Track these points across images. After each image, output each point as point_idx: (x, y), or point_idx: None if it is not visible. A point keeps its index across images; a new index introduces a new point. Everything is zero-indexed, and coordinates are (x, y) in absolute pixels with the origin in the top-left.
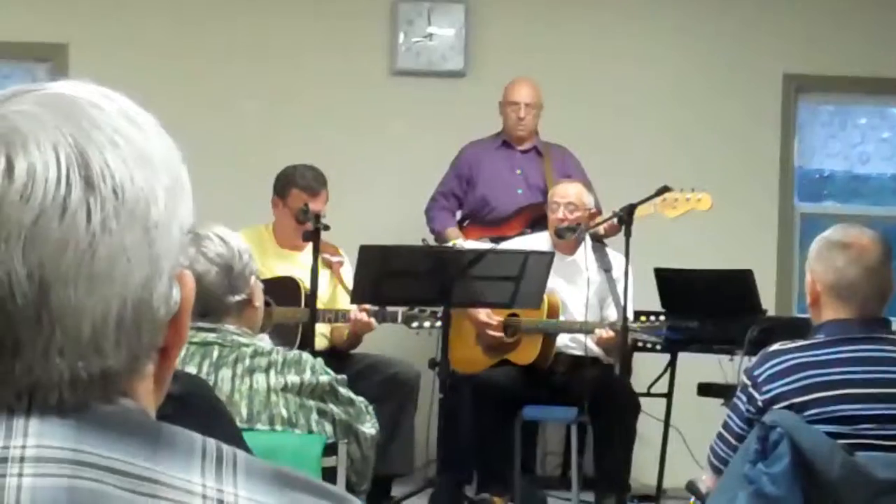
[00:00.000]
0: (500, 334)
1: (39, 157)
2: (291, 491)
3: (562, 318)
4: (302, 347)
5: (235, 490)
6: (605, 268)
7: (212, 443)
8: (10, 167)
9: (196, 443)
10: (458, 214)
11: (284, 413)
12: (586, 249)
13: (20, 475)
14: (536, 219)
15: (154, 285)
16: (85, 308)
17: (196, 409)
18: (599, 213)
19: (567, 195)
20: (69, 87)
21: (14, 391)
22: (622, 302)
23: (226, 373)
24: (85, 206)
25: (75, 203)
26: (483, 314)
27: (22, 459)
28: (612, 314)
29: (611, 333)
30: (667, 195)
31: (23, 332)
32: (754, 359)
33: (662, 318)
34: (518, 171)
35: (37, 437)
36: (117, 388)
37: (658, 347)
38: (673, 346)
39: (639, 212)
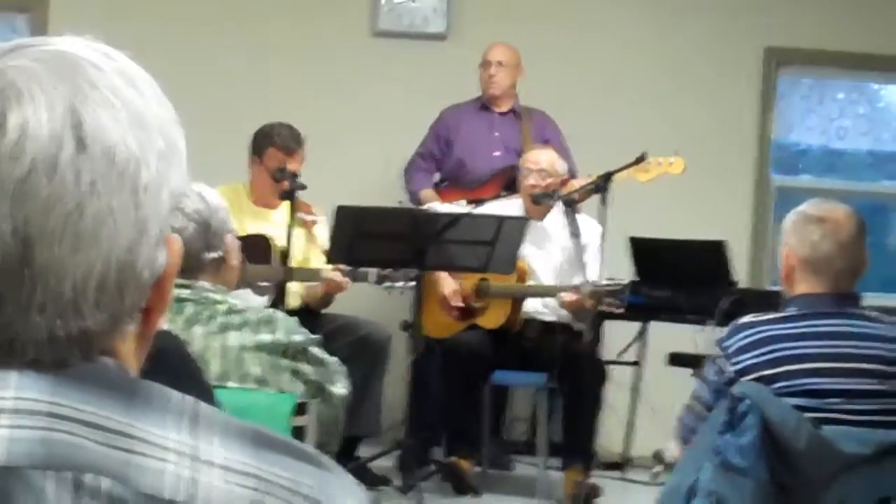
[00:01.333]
0: (457, 313)
1: (33, 114)
2: (267, 451)
3: (531, 282)
4: (275, 305)
5: (211, 448)
6: (575, 233)
7: (189, 400)
8: (2, 122)
9: (173, 400)
10: (437, 176)
11: (256, 371)
12: (559, 216)
13: None
14: (512, 181)
15: (140, 249)
16: (67, 267)
17: (168, 364)
18: (575, 178)
19: (539, 161)
20: (70, 44)
21: None
22: (591, 268)
23: (199, 329)
24: (75, 166)
25: (65, 162)
26: (448, 289)
27: (0, 411)
28: (579, 280)
29: (574, 297)
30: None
31: (4, 288)
32: (725, 330)
33: (625, 280)
34: (496, 134)
35: (15, 389)
36: (97, 347)
37: (620, 311)
38: (643, 314)
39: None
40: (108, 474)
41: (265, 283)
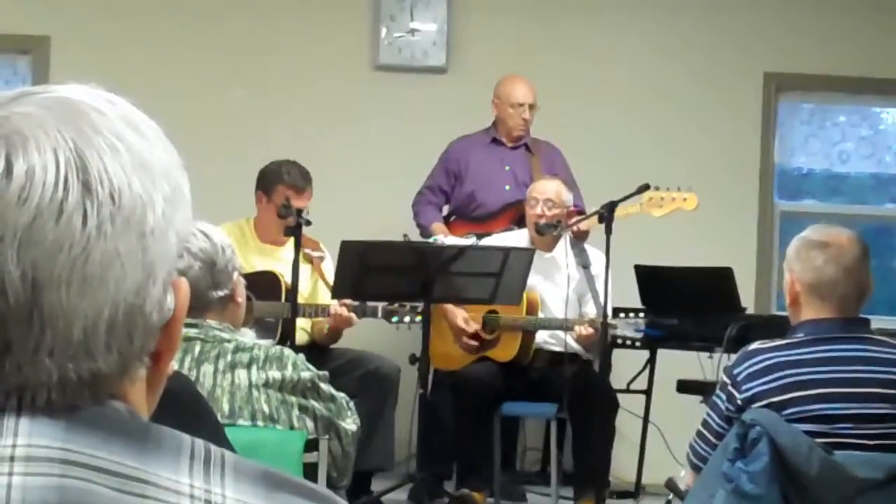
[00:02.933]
0: (474, 343)
1: (39, 160)
2: (278, 492)
3: (540, 314)
4: (282, 342)
5: (223, 490)
6: (584, 264)
7: (200, 443)
8: (9, 168)
9: (184, 443)
10: (445, 210)
11: (266, 409)
12: (566, 246)
13: (10, 474)
14: (523, 215)
15: (147, 291)
16: (76, 310)
17: (178, 405)
18: (583, 211)
19: (546, 192)
20: (74, 90)
21: (3, 390)
22: (601, 298)
23: (208, 368)
24: (81, 210)
25: (72, 206)
26: (461, 319)
27: (12, 459)
28: (590, 311)
29: (590, 330)
30: (652, 194)
31: (13, 332)
32: (734, 357)
33: (642, 314)
34: (507, 168)
35: (27, 436)
36: (107, 391)
37: (637, 344)
38: (652, 343)
39: (625, 210)
40: None
41: (270, 319)
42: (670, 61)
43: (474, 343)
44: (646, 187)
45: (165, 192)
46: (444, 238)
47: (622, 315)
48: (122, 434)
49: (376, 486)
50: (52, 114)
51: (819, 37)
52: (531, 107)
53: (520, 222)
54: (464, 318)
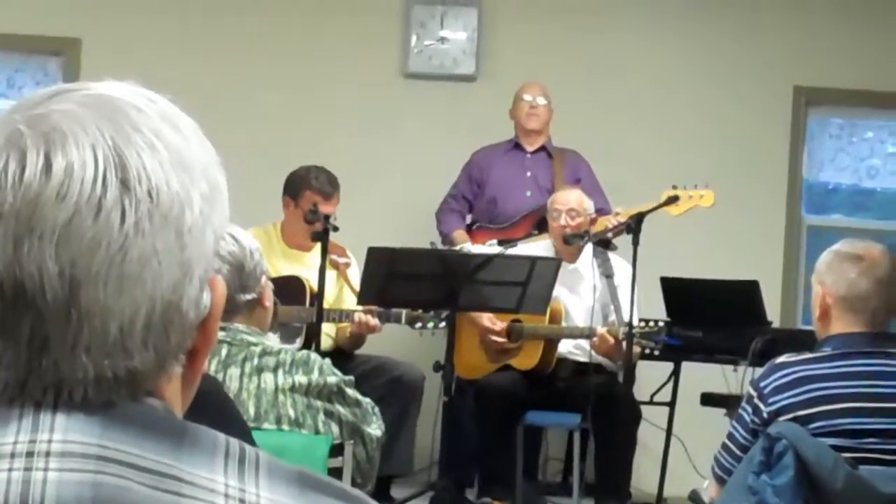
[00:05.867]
0: (503, 340)
1: (77, 157)
2: (312, 492)
3: (564, 324)
4: (306, 347)
5: (257, 490)
6: (607, 273)
7: (235, 443)
8: (48, 165)
9: (220, 442)
10: (468, 218)
11: (291, 413)
12: (590, 257)
13: (46, 469)
14: (543, 220)
15: (184, 289)
16: (113, 308)
17: (208, 406)
18: (608, 215)
19: (568, 202)
20: (113, 88)
21: (41, 386)
22: (625, 308)
23: (234, 371)
24: (119, 208)
25: (110, 203)
26: (486, 320)
27: (48, 454)
28: (614, 322)
29: (608, 339)
30: (670, 192)
31: (51, 329)
32: (760, 370)
33: (661, 323)
34: (528, 174)
35: (63, 432)
36: (143, 388)
37: (656, 353)
38: (676, 355)
39: (639, 209)
40: None
41: (296, 325)
42: (700, 74)
43: (503, 339)
44: (675, 199)
45: (203, 190)
46: (471, 246)
47: (641, 324)
48: (158, 431)
49: (397, 493)
50: (91, 111)
51: (849, 51)
52: (541, 100)
53: (540, 227)
54: (489, 317)
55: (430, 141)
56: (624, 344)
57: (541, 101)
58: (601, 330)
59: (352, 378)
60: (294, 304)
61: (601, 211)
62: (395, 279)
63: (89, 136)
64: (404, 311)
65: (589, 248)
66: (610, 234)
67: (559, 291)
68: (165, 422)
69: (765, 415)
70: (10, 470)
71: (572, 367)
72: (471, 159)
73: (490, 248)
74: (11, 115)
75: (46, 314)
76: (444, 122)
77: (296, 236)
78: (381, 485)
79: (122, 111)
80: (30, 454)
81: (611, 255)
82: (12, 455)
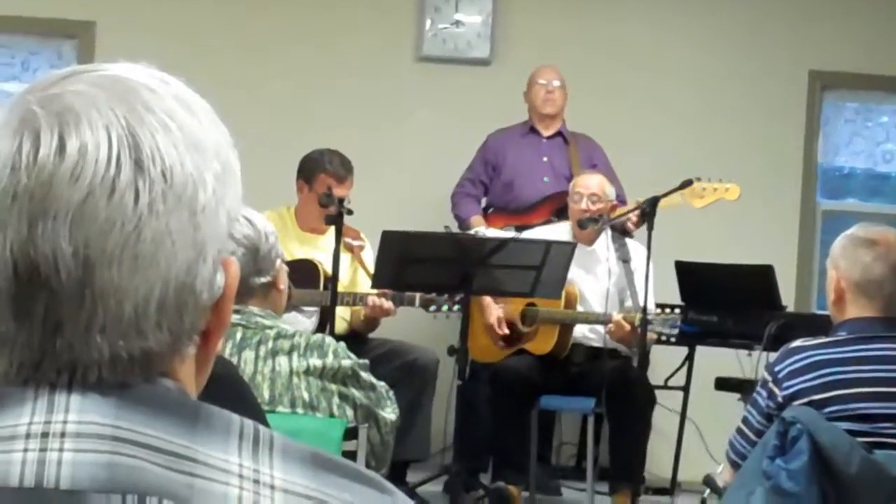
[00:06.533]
0: (502, 344)
1: (91, 137)
2: (326, 473)
3: (579, 308)
4: (320, 330)
5: (271, 471)
6: (624, 258)
7: (249, 423)
8: (62, 146)
9: (234, 423)
10: (483, 202)
11: (306, 396)
12: (607, 240)
13: (61, 450)
14: (562, 207)
15: (198, 269)
16: (128, 288)
17: (222, 388)
18: (623, 204)
19: (589, 186)
20: (126, 69)
21: (55, 367)
22: (641, 294)
23: (249, 354)
24: (133, 188)
25: (124, 184)
26: (494, 318)
27: (63, 435)
28: (630, 306)
29: (624, 326)
30: (694, 184)
31: (65, 310)
32: (775, 354)
33: (678, 310)
34: (544, 159)
35: (78, 412)
36: (158, 369)
37: (673, 340)
38: (691, 340)
39: (667, 202)
40: (171, 498)
41: (309, 308)
42: (714, 58)
43: (503, 343)
44: (689, 182)
45: (216, 171)
46: (485, 230)
47: (658, 311)
48: (172, 412)
49: (412, 477)
50: (105, 92)
51: (864, 36)
52: (557, 84)
53: (559, 214)
54: (497, 317)
55: (444, 124)
56: (639, 329)
57: (556, 84)
58: (617, 316)
59: (366, 361)
60: (309, 288)
61: (617, 198)
62: (409, 263)
63: (103, 116)
64: (418, 295)
65: (607, 232)
66: (630, 222)
67: (575, 273)
68: (179, 402)
69: (779, 399)
70: (25, 450)
71: (586, 352)
72: (486, 142)
73: (507, 232)
74: (25, 95)
75: (61, 295)
76: (459, 106)
77: (310, 220)
78: (396, 469)
79: (135, 92)
80: (45, 434)
81: (628, 240)
82: (27, 436)
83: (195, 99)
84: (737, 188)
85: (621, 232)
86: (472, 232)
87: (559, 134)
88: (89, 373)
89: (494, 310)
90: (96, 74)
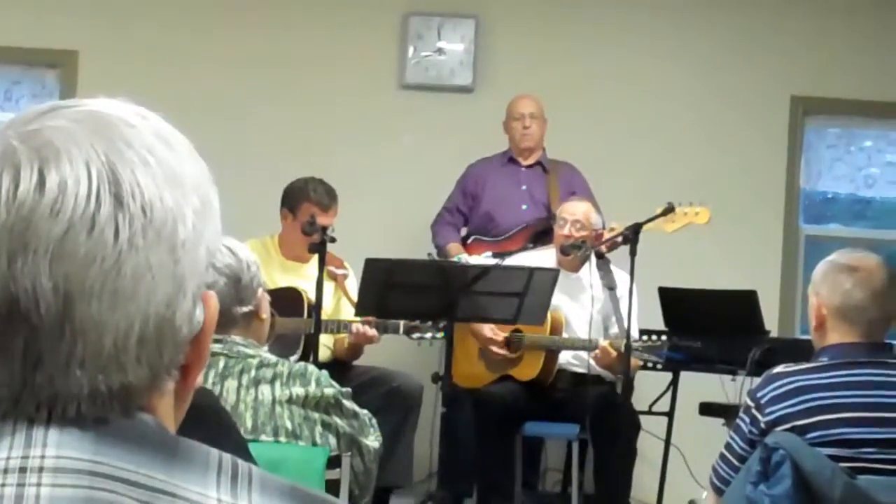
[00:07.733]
0: (503, 351)
1: (71, 173)
2: None
3: (565, 335)
4: (304, 358)
5: None
6: (610, 286)
7: (227, 457)
8: (41, 181)
9: (212, 457)
10: (464, 231)
11: (289, 425)
12: (591, 267)
13: (38, 485)
14: (539, 234)
15: (177, 304)
16: (107, 323)
17: (203, 420)
18: (602, 230)
19: (575, 213)
20: (106, 104)
21: (34, 402)
22: (625, 321)
23: (231, 383)
24: (113, 223)
25: (104, 219)
26: (488, 329)
27: (41, 469)
28: (616, 333)
29: (610, 352)
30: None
31: (45, 344)
32: (758, 380)
33: (664, 337)
34: (523, 187)
35: (56, 447)
36: (137, 403)
37: (658, 367)
38: (675, 365)
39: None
40: None
41: (292, 336)
42: (696, 83)
43: (504, 351)
44: (671, 209)
45: (195, 206)
46: (467, 257)
47: (644, 338)
48: (151, 447)
49: (397, 503)
50: (84, 127)
51: (846, 61)
52: (533, 117)
53: (535, 241)
54: (490, 327)
55: (427, 152)
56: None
57: (533, 118)
58: (603, 343)
59: (349, 390)
60: (292, 316)
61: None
62: (392, 290)
63: (82, 152)
64: (402, 322)
65: (592, 260)
66: (604, 247)
67: (560, 300)
68: (158, 437)
69: (762, 425)
70: (2, 485)
71: (570, 378)
72: (465, 172)
73: (487, 259)
74: (5, 130)
75: (41, 329)
76: (441, 134)
77: (293, 248)
78: (379, 496)
79: (114, 127)
80: (23, 469)
81: (613, 267)
82: (5, 471)
83: (174, 134)
84: (707, 211)
85: (597, 255)
86: (454, 259)
87: (538, 163)
88: (69, 407)
89: (487, 326)
90: (76, 110)
